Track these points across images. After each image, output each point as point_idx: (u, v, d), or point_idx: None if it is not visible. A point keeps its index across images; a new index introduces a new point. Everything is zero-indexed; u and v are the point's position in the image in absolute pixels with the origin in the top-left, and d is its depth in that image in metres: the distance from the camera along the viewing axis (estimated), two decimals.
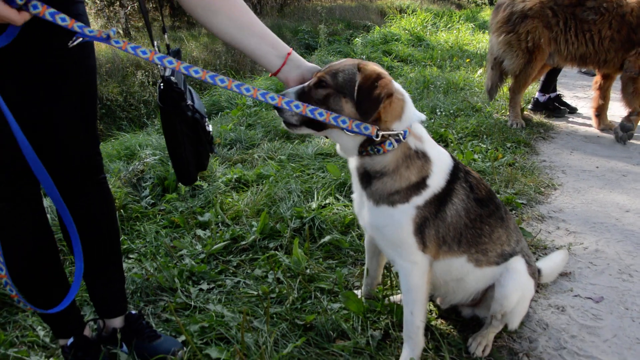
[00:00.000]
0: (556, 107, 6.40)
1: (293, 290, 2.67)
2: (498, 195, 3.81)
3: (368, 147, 1.89)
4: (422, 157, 1.95)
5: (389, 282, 2.67)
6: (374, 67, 1.86)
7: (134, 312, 2.38)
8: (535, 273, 2.36)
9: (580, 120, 6.36)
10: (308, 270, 2.86)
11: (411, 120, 1.92)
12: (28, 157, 1.62)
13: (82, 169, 2.01)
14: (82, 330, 2.23)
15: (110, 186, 3.93)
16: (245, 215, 3.56)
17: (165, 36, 2.04)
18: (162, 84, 1.90)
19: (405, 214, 1.94)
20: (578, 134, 5.78)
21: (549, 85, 6.37)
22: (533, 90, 7.00)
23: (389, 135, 1.86)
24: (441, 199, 1.99)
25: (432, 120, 5.68)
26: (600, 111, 5.86)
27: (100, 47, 11.45)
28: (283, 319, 2.47)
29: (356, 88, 1.78)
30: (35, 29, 1.64)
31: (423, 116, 1.97)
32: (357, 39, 12.14)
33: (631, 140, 5.47)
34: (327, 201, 3.65)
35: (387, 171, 1.91)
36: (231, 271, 2.95)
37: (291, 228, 3.31)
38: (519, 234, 2.32)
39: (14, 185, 1.85)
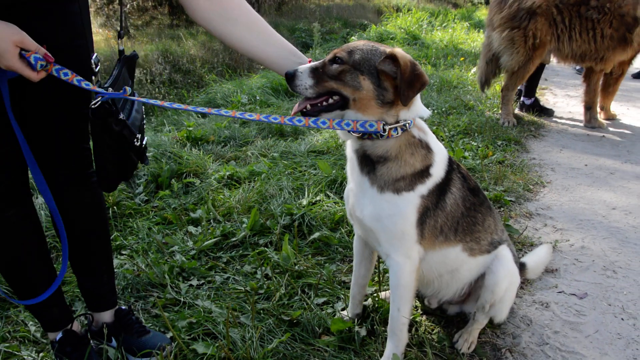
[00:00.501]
0: (543, 108, 6.48)
1: (281, 286, 2.71)
2: (487, 193, 3.86)
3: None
4: (425, 147, 1.99)
5: (376, 278, 2.71)
6: (403, 53, 1.86)
7: (124, 307, 2.41)
8: (518, 262, 2.42)
9: (570, 118, 6.41)
10: (297, 267, 2.90)
11: (418, 112, 1.97)
12: (24, 149, 1.68)
13: (70, 163, 2.04)
14: (70, 324, 2.25)
15: None
16: (236, 212, 3.59)
17: (119, 41, 2.05)
18: (95, 103, 1.84)
19: (410, 203, 1.95)
20: (568, 132, 5.83)
21: (533, 88, 6.46)
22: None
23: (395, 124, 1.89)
24: (442, 189, 2.02)
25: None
26: (590, 106, 6.01)
27: (99, 46, 11.49)
28: (270, 314, 2.51)
29: (399, 77, 1.80)
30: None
31: (429, 112, 2.02)
32: (353, 37, 12.17)
33: (620, 139, 5.56)
34: (318, 198, 3.69)
35: (390, 156, 1.92)
36: (221, 267, 2.98)
37: (281, 225, 3.34)
38: (502, 224, 2.39)
39: (7, 183, 1.90)
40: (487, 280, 2.25)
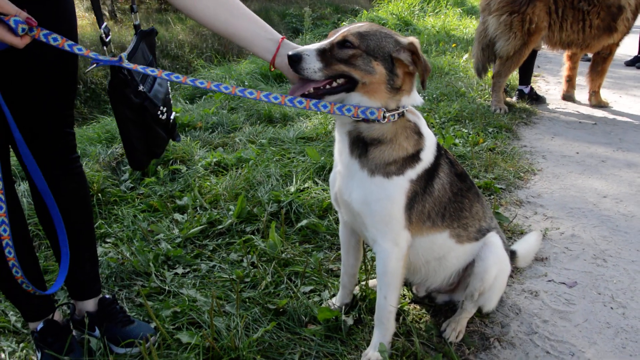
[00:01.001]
0: (539, 97, 6.48)
1: (267, 275, 2.67)
2: (477, 180, 3.83)
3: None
4: (417, 132, 1.99)
5: (364, 266, 2.67)
6: (419, 44, 1.87)
7: (107, 296, 2.36)
8: (509, 250, 2.40)
9: (562, 105, 6.39)
10: (284, 255, 2.85)
11: (416, 100, 1.96)
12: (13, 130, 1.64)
13: (53, 146, 1.99)
14: (52, 314, 2.20)
15: (88, 170, 3.90)
16: (223, 199, 3.53)
17: (133, 16, 1.99)
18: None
19: (399, 187, 1.93)
20: (560, 120, 5.81)
21: (528, 76, 6.48)
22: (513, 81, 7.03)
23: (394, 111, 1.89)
24: (430, 174, 2.01)
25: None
26: (570, 78, 6.60)
27: (85, 30, 11.32)
28: (256, 303, 2.47)
29: (419, 66, 1.84)
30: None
31: (422, 100, 2.02)
32: (344, 23, 12.05)
33: (612, 127, 5.57)
34: (306, 185, 3.64)
35: (385, 139, 1.91)
36: (207, 255, 2.93)
37: (268, 212, 3.29)
38: (490, 212, 2.37)
39: None
40: (476, 267, 2.22)
